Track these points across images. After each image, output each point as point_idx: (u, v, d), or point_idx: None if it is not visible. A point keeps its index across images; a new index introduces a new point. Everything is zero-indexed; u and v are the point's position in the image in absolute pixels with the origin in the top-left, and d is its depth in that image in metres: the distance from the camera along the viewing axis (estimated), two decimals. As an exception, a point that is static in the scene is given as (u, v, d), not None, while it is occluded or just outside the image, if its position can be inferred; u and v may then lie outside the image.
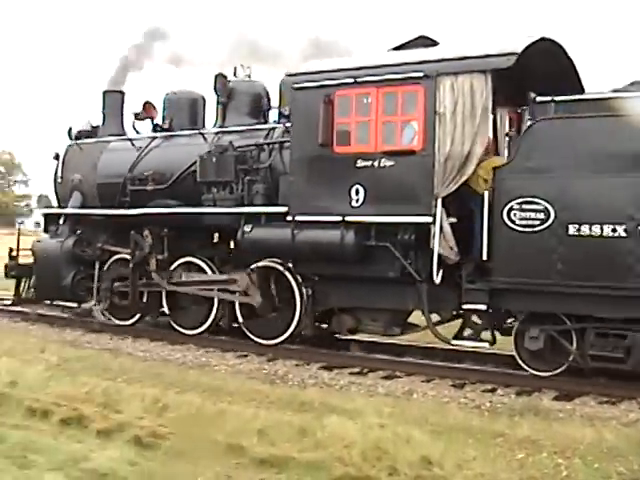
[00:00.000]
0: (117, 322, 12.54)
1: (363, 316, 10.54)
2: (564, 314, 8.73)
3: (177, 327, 11.93)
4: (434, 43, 10.45)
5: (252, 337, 11.09)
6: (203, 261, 11.80)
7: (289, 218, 10.31)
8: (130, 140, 13.18)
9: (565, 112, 8.63)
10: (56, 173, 13.83)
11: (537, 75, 9.51)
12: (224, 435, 6.36)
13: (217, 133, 12.05)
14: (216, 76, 12.21)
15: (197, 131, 12.33)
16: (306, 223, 10.19)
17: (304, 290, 10.67)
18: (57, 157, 13.86)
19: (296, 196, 10.33)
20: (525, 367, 9.09)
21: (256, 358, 10.54)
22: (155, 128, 13.15)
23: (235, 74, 12.53)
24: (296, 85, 10.37)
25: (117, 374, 8.91)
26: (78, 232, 13.18)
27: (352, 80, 9.87)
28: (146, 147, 12.79)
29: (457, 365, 9.98)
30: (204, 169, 11.47)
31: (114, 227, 12.71)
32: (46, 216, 13.78)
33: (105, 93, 14.10)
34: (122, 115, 14.18)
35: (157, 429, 6.62)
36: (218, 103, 12.33)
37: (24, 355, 9.77)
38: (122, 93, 14.24)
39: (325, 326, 11.05)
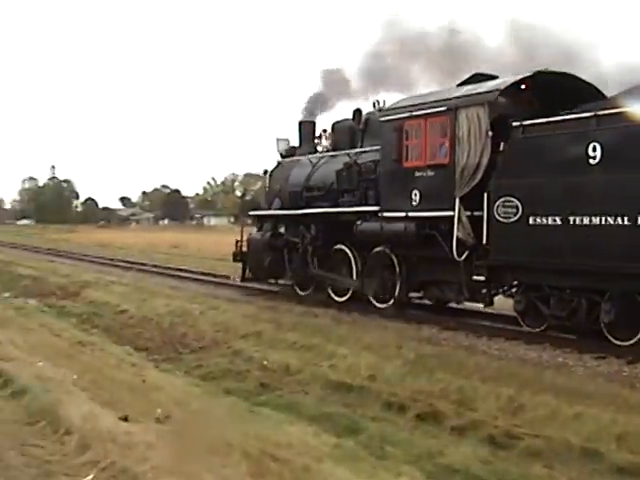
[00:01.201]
0: (300, 292, 17.67)
1: (444, 287, 14.33)
2: (546, 284, 11.83)
3: (333, 295, 16.68)
4: (490, 77, 13.81)
5: (373, 302, 15.41)
6: (347, 247, 16.39)
7: (379, 214, 14.56)
8: (309, 159, 18.21)
9: (529, 133, 11.73)
10: (265, 184, 19.45)
11: (544, 99, 12.52)
12: (580, 439, 6.31)
13: (355, 153, 16.52)
14: (354, 111, 16.74)
15: (344, 152, 16.91)
16: (389, 218, 14.34)
17: (401, 267, 14.78)
18: (266, 172, 19.46)
19: (383, 198, 14.54)
20: (521, 323, 12.32)
21: (615, 360, 10.22)
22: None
23: (374, 106, 16.89)
24: (382, 119, 14.61)
25: (472, 372, 8.71)
26: (280, 228, 18.54)
27: (410, 114, 13.83)
28: (317, 163, 17.73)
29: None
30: (339, 180, 16.12)
31: (294, 224, 17.84)
32: (257, 217, 19.44)
33: (301, 123, 19.30)
34: (313, 139, 19.26)
35: (511, 429, 6.64)
36: (359, 130, 16.82)
37: (382, 351, 10.07)
38: (313, 123, 19.31)
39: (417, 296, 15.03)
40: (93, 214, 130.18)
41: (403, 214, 13.92)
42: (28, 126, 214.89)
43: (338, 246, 16.57)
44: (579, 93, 12.50)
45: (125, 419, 6.47)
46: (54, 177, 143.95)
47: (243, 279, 19.50)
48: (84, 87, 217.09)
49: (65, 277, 21.66)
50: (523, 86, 12.93)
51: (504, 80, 12.78)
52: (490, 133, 12.35)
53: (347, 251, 16.34)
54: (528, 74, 12.53)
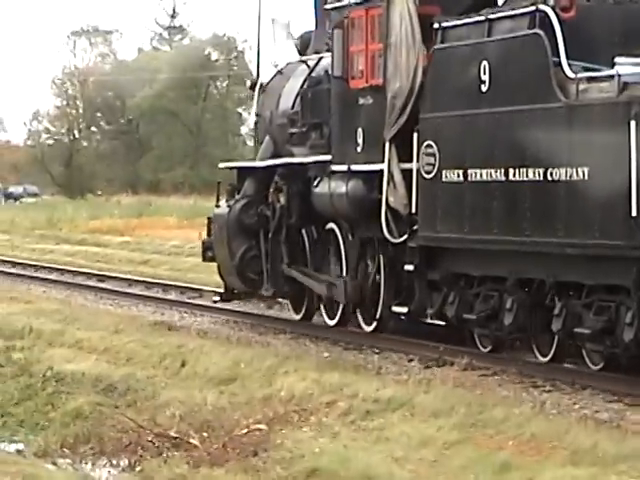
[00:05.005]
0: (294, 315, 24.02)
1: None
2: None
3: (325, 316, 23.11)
4: None
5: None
6: (337, 226, 22.05)
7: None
8: (307, 61, 22.99)
9: (446, 41, 17.43)
10: (254, 109, 24.79)
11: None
12: None
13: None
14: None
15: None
16: (337, 173, 20.48)
17: (379, 258, 20.70)
18: (253, 87, 24.87)
19: (333, 141, 20.75)
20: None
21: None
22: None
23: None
24: (326, 6, 20.97)
25: None
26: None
27: (352, 1, 19.67)
28: (313, 70, 22.50)
29: None
30: (303, 107, 22.24)
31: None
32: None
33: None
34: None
35: None
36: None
37: None
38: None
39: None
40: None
41: (345, 167, 19.96)
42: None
43: (329, 225, 21.96)
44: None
45: None
46: (176, 26, 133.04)
47: (224, 296, 24.98)
48: None
49: (217, 386, 18.24)
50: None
51: None
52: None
53: (337, 233, 21.72)
54: None
